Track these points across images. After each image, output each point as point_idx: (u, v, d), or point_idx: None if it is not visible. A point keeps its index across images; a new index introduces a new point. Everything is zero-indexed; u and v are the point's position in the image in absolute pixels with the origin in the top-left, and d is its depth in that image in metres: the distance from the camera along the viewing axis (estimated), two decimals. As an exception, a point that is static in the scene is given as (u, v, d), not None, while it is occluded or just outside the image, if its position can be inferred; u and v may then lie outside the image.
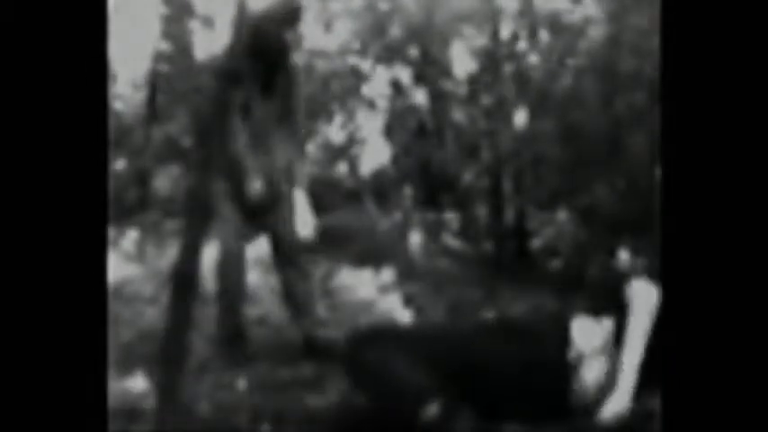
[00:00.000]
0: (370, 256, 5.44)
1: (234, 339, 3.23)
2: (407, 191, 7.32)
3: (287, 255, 3.28)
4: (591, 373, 2.30)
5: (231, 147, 3.17)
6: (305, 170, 3.38)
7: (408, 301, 4.51)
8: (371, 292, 4.71)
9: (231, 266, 3.21)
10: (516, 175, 6.39)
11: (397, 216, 6.77)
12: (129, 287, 4.39)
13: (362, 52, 7.08)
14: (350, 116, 7.44)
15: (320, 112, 7.11)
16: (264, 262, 3.99)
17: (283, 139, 3.28)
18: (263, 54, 3.19)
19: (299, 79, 3.38)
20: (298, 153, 3.33)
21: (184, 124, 8.11)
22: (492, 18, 6.38)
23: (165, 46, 8.27)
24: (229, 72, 2.21)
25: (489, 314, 4.26)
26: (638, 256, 5.01)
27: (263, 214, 3.27)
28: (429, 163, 6.96)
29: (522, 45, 6.43)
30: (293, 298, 3.30)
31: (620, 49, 5.23)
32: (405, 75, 7.21)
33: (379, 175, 7.53)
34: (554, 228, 6.45)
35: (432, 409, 2.15)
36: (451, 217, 7.09)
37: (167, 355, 1.90)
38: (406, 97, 7.24)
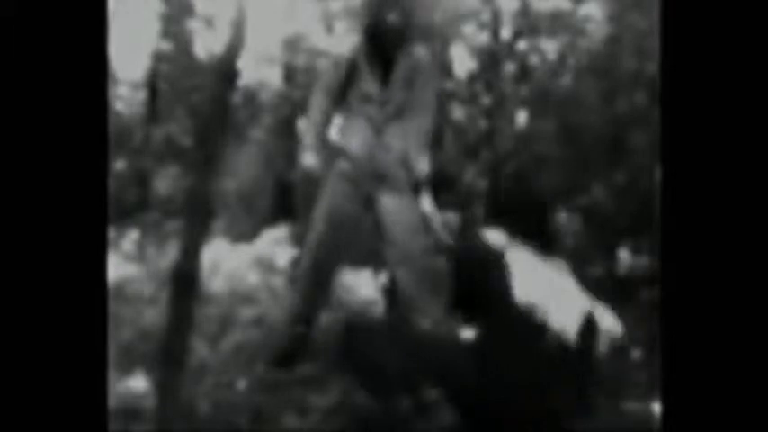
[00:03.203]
0: (370, 256, 5.42)
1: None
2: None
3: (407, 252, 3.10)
4: None
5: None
6: (427, 167, 3.13)
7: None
8: (371, 292, 4.69)
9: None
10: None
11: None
12: (129, 287, 4.38)
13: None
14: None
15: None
16: (264, 262, 3.98)
17: (405, 132, 3.04)
18: (381, 34, 2.98)
19: (426, 67, 3.08)
20: (419, 148, 3.07)
21: (184, 124, 8.10)
22: (492, 18, 6.38)
23: (165, 46, 8.27)
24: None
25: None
26: (638, 256, 5.01)
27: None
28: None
29: (522, 45, 6.43)
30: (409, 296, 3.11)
31: (620, 49, 5.23)
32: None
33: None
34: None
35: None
36: (451, 217, 7.07)
37: (167, 355, 1.90)
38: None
